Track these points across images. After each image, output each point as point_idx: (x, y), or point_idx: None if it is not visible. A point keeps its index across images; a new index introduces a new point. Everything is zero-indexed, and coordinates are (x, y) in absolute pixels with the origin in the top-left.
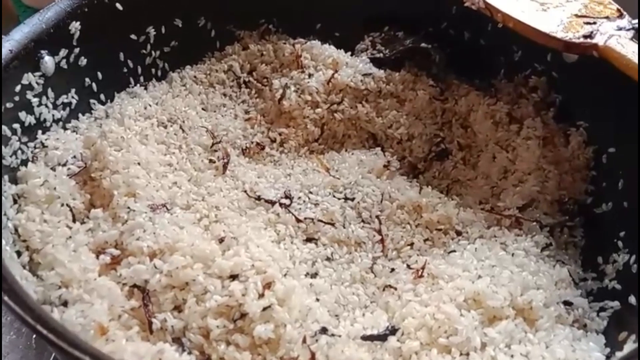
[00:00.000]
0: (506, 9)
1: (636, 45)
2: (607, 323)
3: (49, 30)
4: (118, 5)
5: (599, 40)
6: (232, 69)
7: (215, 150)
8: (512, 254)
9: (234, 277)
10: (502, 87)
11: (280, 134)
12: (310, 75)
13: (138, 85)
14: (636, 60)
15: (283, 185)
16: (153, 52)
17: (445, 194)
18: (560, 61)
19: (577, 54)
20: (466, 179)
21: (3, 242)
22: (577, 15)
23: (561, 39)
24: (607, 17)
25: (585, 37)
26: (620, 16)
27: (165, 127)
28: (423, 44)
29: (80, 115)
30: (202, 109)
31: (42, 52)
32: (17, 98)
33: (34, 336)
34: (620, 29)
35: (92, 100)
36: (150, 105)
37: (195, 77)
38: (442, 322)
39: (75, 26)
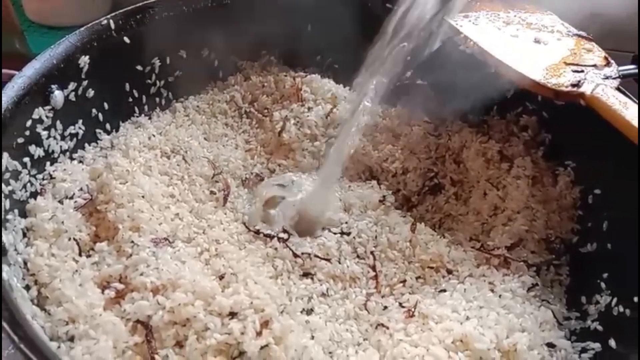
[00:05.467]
0: (500, 55)
1: (621, 95)
2: None
3: (59, 65)
4: (126, 38)
5: (586, 89)
6: (234, 100)
7: (217, 181)
8: (500, 295)
9: (233, 314)
10: (494, 123)
11: (279, 165)
12: (309, 109)
13: (143, 115)
14: (621, 112)
15: None
16: (158, 82)
17: (437, 229)
18: (551, 102)
19: (565, 102)
20: (458, 214)
21: (15, 279)
22: (566, 63)
23: (551, 88)
24: (594, 65)
25: (573, 85)
26: (608, 64)
27: (169, 157)
28: (419, 81)
29: (86, 145)
30: (204, 138)
31: (52, 86)
32: (27, 132)
33: None
34: (606, 77)
35: (98, 130)
36: (154, 136)
37: (198, 106)
38: None
39: (84, 60)
